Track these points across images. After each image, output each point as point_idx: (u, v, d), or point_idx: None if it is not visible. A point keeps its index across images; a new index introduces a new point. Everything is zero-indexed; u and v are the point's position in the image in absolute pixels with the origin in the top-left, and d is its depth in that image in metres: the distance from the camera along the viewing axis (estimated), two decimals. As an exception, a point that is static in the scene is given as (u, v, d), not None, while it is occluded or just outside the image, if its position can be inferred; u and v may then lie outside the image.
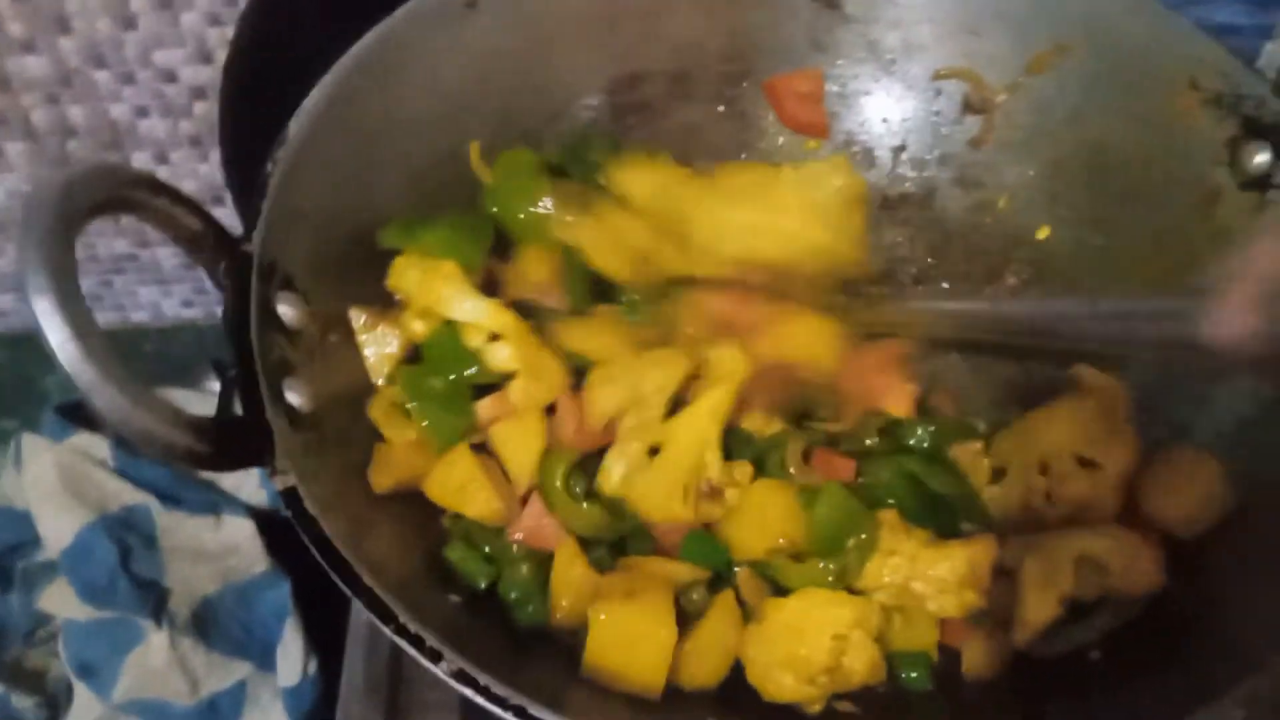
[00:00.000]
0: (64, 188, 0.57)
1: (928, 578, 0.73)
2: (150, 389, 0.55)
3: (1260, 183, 0.77)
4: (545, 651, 0.71)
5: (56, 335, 0.53)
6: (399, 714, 0.85)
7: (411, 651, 0.56)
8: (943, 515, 0.77)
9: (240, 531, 1.13)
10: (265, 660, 1.12)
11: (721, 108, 0.95)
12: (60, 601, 1.10)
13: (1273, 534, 0.70)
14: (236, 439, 0.61)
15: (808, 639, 0.69)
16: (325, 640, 1.13)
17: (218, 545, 1.12)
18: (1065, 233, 0.87)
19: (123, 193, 0.62)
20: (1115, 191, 0.85)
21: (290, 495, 0.60)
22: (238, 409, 0.63)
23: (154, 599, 1.08)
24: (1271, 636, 0.60)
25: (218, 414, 1.04)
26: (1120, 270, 0.85)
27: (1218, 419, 0.77)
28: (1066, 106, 0.87)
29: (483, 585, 0.73)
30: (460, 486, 0.73)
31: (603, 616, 0.68)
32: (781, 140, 0.96)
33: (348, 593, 0.57)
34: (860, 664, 0.69)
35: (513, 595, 0.73)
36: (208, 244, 0.68)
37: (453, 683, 0.55)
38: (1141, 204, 0.84)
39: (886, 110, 0.95)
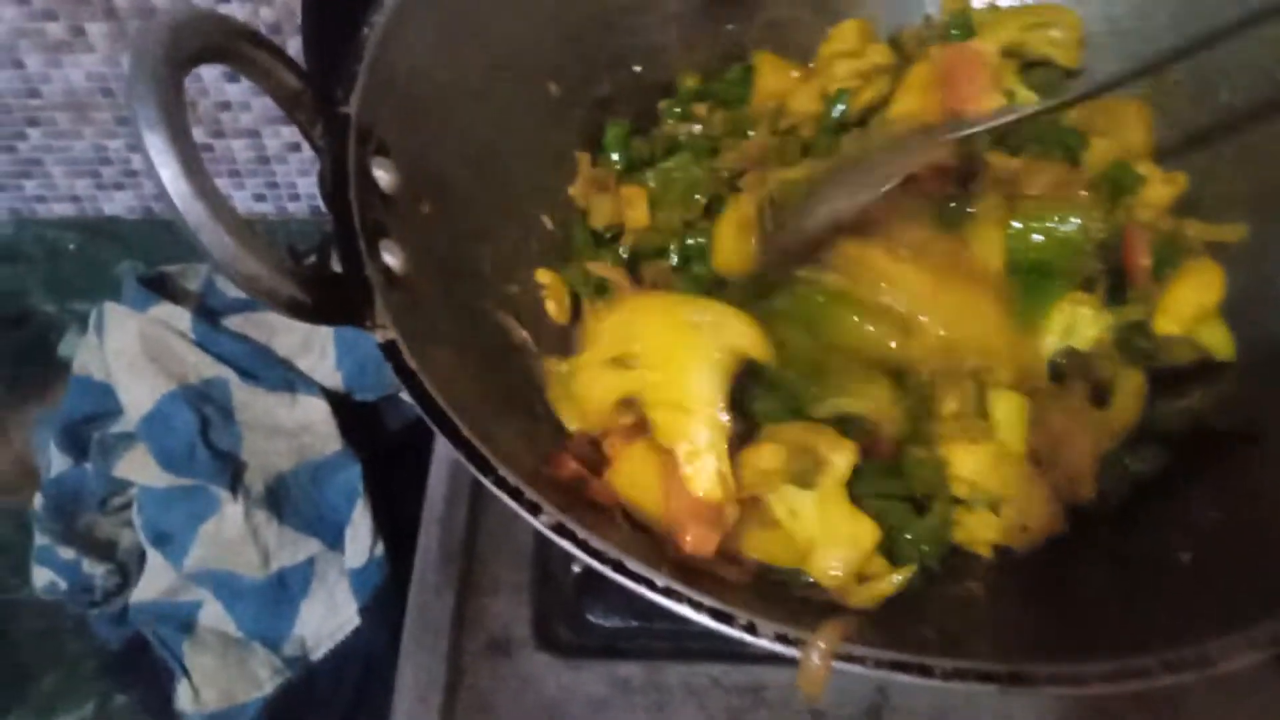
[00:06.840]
0: (172, 29, 0.56)
1: None
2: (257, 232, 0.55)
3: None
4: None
5: (168, 171, 0.52)
6: (471, 590, 0.85)
7: (511, 504, 0.55)
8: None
9: (315, 411, 1.14)
10: (334, 540, 1.14)
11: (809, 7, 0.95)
12: (138, 468, 1.12)
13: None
14: (337, 294, 0.61)
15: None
16: (392, 527, 1.15)
17: (292, 423, 1.13)
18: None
19: (227, 41, 0.62)
20: (1222, 104, 0.83)
21: (390, 348, 0.59)
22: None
23: (231, 470, 1.09)
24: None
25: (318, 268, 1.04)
26: (1212, 193, 0.83)
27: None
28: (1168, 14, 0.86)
29: None
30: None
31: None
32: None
33: (450, 445, 0.57)
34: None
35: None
36: (305, 103, 0.68)
37: (552, 535, 0.54)
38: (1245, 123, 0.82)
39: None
